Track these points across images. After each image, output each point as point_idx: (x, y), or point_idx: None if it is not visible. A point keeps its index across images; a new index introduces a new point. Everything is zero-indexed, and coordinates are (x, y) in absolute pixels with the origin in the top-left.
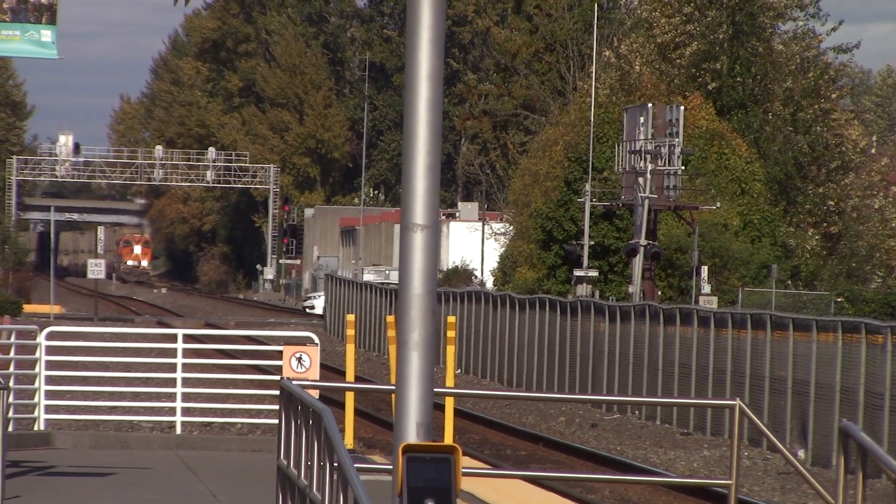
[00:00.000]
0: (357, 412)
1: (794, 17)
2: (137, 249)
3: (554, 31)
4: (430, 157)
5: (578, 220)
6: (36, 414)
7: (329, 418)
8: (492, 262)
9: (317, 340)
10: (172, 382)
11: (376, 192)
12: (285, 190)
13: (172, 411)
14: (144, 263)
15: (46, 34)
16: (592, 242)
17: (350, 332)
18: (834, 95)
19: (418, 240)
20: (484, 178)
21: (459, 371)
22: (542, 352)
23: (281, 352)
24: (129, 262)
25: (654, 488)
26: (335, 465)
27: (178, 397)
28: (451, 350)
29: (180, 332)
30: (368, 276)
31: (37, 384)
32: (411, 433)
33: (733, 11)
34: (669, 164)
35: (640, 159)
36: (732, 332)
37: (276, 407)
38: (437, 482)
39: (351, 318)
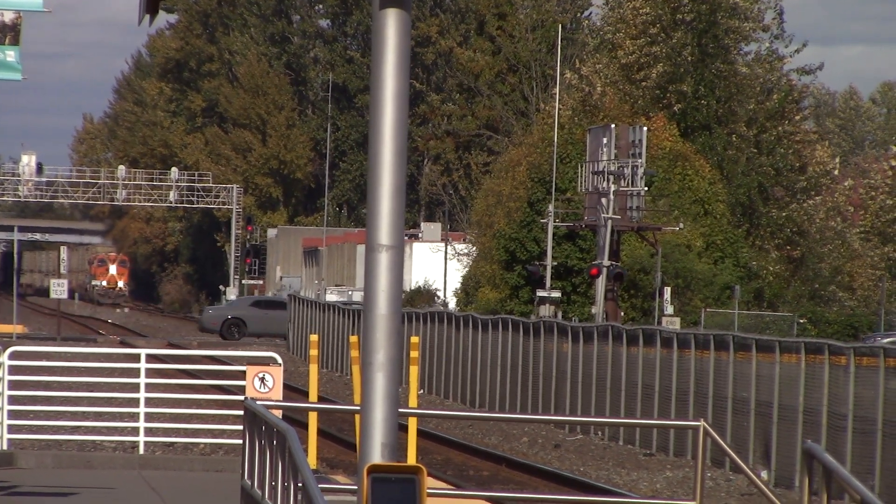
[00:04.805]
0: (320, 432)
1: (758, 38)
2: (113, 269)
3: (517, 52)
4: (395, 178)
5: (541, 241)
6: None
7: (293, 438)
8: (455, 282)
9: (280, 360)
10: (135, 402)
11: (339, 211)
12: (248, 210)
13: (135, 431)
14: (121, 284)
15: (10, 54)
16: (555, 263)
17: (313, 352)
18: (797, 118)
19: (383, 260)
20: (447, 198)
21: (422, 391)
22: (505, 372)
23: (244, 372)
24: (103, 283)
25: None
26: (299, 485)
27: (142, 417)
28: (414, 370)
29: (143, 351)
30: (331, 297)
31: None
32: (376, 453)
33: (699, 34)
34: (632, 185)
35: (604, 180)
36: (695, 353)
37: (240, 427)
38: (402, 503)
39: (314, 338)
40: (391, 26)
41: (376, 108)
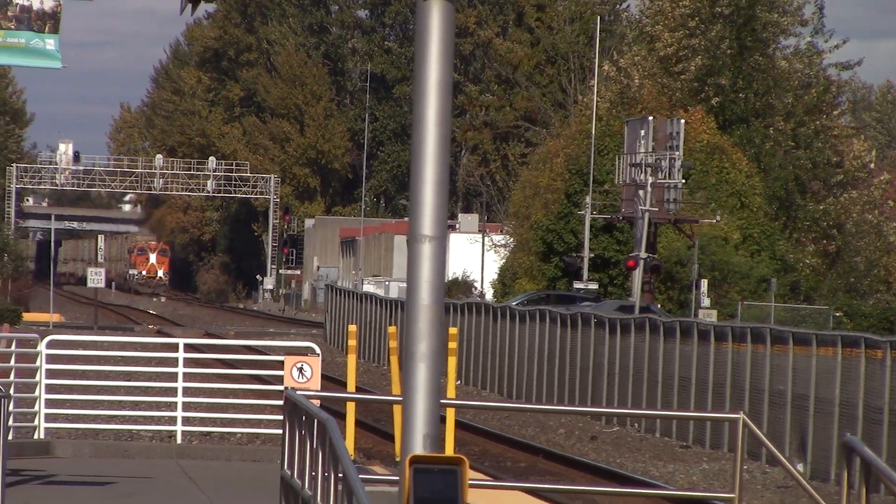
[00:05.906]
0: (357, 422)
1: (797, 33)
2: (153, 258)
3: (555, 44)
4: (438, 168)
5: (579, 233)
6: (36, 422)
7: (334, 429)
8: (492, 273)
9: (318, 351)
10: (173, 391)
11: (376, 202)
12: (285, 200)
13: (173, 420)
14: (161, 273)
15: (50, 43)
16: (592, 255)
17: (352, 342)
18: (835, 113)
19: (426, 251)
20: (484, 189)
21: (459, 382)
22: (542, 364)
23: (281, 361)
24: (143, 272)
25: (654, 501)
26: (340, 475)
27: (179, 406)
28: (452, 361)
29: (181, 341)
30: (368, 287)
31: (37, 392)
32: (418, 444)
33: (738, 27)
34: (670, 178)
35: (641, 172)
36: (732, 346)
37: (277, 417)
38: (445, 493)
39: (353, 328)
40: (435, 17)
41: (419, 100)
